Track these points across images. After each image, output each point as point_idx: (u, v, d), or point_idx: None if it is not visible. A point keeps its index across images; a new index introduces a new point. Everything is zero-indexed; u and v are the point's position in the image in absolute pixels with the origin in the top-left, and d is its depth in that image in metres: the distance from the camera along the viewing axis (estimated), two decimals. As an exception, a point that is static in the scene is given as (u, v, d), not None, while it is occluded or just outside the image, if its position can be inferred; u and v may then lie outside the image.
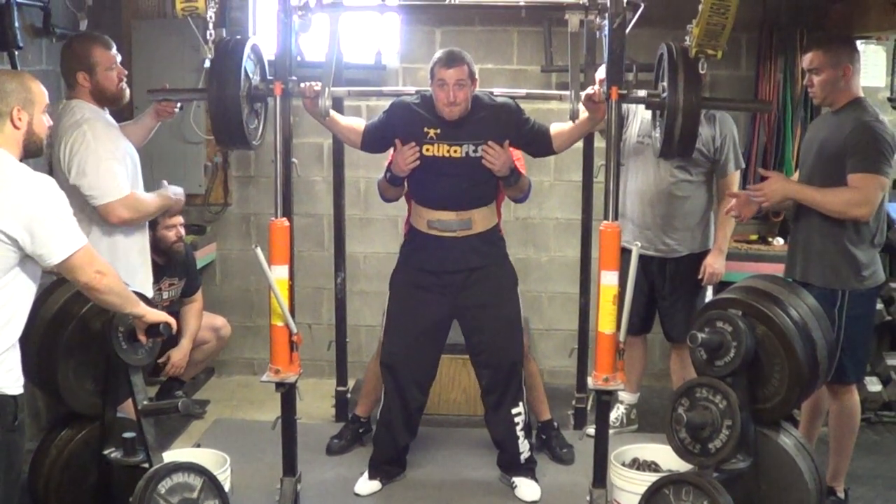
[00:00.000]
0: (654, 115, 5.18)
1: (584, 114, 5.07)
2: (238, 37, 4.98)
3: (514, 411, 5.43)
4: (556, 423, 6.06)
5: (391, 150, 5.42)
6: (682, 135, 4.67)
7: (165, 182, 5.39)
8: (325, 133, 6.63)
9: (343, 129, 5.44)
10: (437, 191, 5.37)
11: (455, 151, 5.25)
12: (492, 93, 5.46)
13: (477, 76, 5.29)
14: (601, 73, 5.06)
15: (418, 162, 5.25)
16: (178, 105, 5.47)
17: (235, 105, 4.74)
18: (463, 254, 5.40)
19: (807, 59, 5.02)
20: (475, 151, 5.24)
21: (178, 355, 6.36)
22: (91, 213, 4.87)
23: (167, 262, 6.21)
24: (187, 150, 7.13)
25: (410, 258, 5.56)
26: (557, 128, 5.34)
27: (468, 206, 5.38)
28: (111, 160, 4.89)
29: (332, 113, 5.25)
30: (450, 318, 5.53)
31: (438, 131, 5.24)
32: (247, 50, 4.81)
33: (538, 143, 5.39)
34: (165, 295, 6.25)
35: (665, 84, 4.71)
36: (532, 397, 5.73)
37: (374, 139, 5.41)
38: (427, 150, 5.25)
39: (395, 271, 5.65)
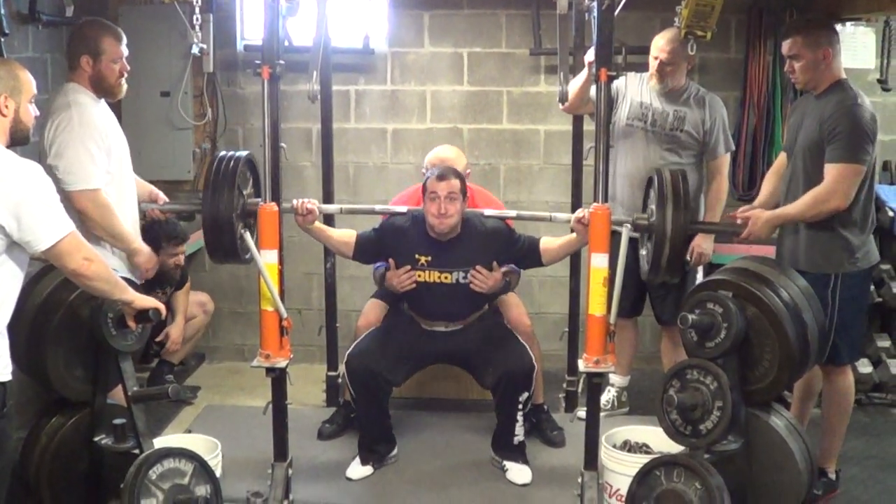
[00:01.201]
0: (641, 237, 5.17)
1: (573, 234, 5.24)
2: (234, 153, 4.97)
3: (521, 398, 5.48)
4: (546, 407, 6.07)
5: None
6: (669, 262, 4.72)
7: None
8: (313, 118, 6.64)
9: (335, 242, 5.61)
10: (430, 308, 5.64)
11: (446, 278, 5.48)
12: (482, 214, 5.60)
13: (468, 193, 5.52)
14: (590, 55, 5.05)
15: (414, 286, 5.48)
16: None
17: (229, 224, 4.79)
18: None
19: (786, 46, 5.01)
20: (465, 278, 5.47)
21: (176, 331, 6.55)
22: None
23: (158, 279, 6.18)
24: (175, 137, 7.10)
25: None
26: (547, 243, 5.53)
27: (459, 320, 5.66)
28: (91, 149, 4.80)
29: (325, 227, 5.53)
30: (436, 357, 5.82)
31: (429, 258, 5.46)
32: (241, 167, 4.86)
33: (527, 259, 5.63)
34: None
35: (653, 208, 4.75)
36: (531, 381, 5.74)
37: (366, 253, 5.62)
38: (419, 276, 5.48)
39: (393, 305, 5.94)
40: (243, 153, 4.96)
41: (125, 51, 5.03)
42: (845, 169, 4.74)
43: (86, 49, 4.92)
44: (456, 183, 5.36)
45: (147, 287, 5.58)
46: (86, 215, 4.80)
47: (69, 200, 4.78)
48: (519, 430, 5.52)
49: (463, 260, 5.46)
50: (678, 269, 4.83)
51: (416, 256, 5.47)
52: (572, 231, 5.20)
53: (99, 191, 4.82)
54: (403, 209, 5.62)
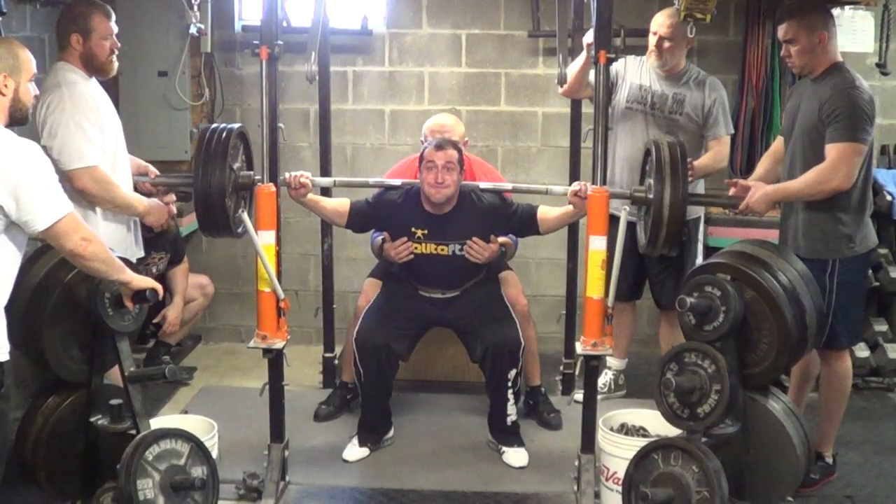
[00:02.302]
0: (639, 209, 5.15)
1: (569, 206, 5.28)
2: (225, 125, 4.97)
3: (510, 375, 5.47)
4: (543, 389, 6.08)
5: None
6: (667, 236, 4.73)
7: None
8: (311, 99, 6.63)
9: (329, 212, 5.63)
10: (426, 278, 5.66)
11: (442, 250, 5.51)
12: (477, 188, 5.59)
13: (466, 162, 5.52)
14: (589, 37, 5.04)
15: (412, 257, 5.50)
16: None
17: (221, 198, 4.79)
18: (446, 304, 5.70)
19: (781, 31, 4.99)
20: (461, 250, 5.50)
21: (174, 313, 6.46)
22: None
23: (156, 236, 6.16)
24: (172, 117, 7.07)
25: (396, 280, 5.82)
26: (545, 212, 5.54)
27: (456, 288, 5.66)
28: (85, 127, 4.79)
29: (318, 198, 5.53)
30: (434, 320, 5.76)
31: (426, 231, 5.49)
32: (232, 140, 4.86)
33: (524, 228, 5.66)
34: (154, 270, 6.23)
35: (651, 182, 4.73)
36: (526, 362, 5.70)
37: (359, 222, 5.66)
38: (416, 248, 5.50)
39: (388, 273, 5.90)
40: (235, 126, 4.95)
41: (115, 27, 5.01)
42: (847, 148, 4.72)
43: (75, 27, 4.90)
44: (453, 153, 5.37)
45: (148, 247, 5.60)
46: (88, 192, 4.82)
47: (68, 180, 4.78)
48: (511, 409, 5.53)
49: (459, 233, 5.48)
50: (676, 243, 4.81)
51: (413, 230, 5.48)
52: (570, 203, 5.21)
53: (96, 167, 4.82)
54: (398, 182, 5.62)
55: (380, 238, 5.64)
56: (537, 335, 6.04)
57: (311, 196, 5.36)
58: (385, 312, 5.61)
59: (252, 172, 5.00)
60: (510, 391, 5.49)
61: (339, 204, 5.59)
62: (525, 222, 5.57)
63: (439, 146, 5.39)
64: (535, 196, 5.82)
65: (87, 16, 4.91)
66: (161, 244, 6.33)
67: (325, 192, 5.86)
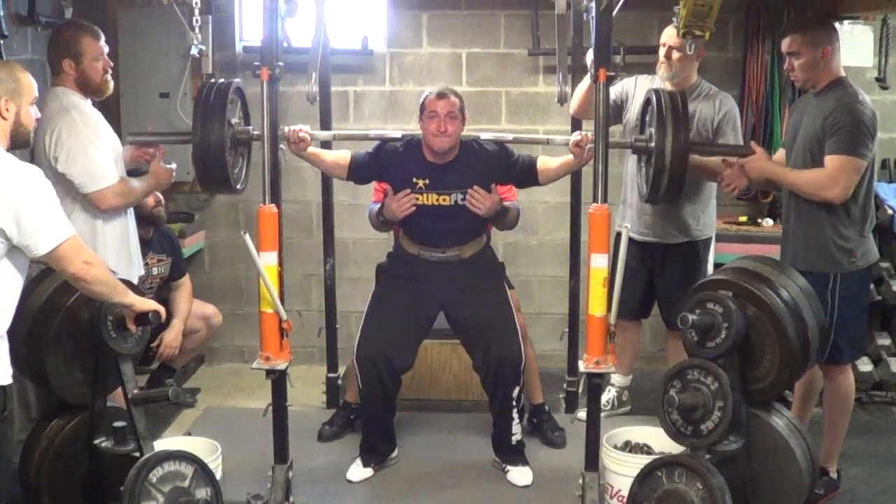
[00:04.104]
0: (639, 160, 5.15)
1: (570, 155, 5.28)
2: (222, 80, 4.98)
3: (513, 393, 5.43)
4: (546, 407, 6.06)
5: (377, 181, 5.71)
6: (669, 184, 4.73)
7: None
8: (312, 119, 6.60)
9: (329, 165, 5.59)
10: (427, 232, 5.57)
11: (444, 200, 5.44)
12: (478, 138, 5.57)
13: (466, 115, 5.47)
14: (589, 55, 5.04)
15: (413, 209, 5.40)
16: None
17: (220, 153, 4.76)
18: (449, 274, 5.61)
19: (785, 44, 5.01)
20: (463, 199, 5.42)
21: (171, 335, 6.32)
22: (73, 200, 4.85)
23: (152, 232, 6.15)
24: (174, 138, 7.10)
25: (396, 265, 5.76)
26: (544, 162, 5.51)
27: (456, 244, 5.60)
28: (99, 147, 4.89)
29: (318, 151, 5.51)
30: (436, 308, 5.64)
31: (427, 181, 5.42)
32: (231, 95, 4.83)
33: (525, 178, 5.59)
34: (155, 271, 6.20)
35: (652, 130, 4.73)
36: (527, 380, 5.68)
37: (360, 173, 5.60)
38: (417, 199, 5.42)
39: (382, 267, 5.84)
40: (233, 81, 4.96)
41: (105, 47, 5.05)
42: (847, 162, 4.74)
43: (66, 53, 4.95)
44: (455, 101, 5.35)
45: (143, 250, 5.60)
46: (114, 207, 4.98)
47: (96, 202, 4.83)
48: (516, 428, 5.51)
49: (461, 182, 5.42)
50: (677, 192, 4.83)
51: (414, 180, 5.43)
52: (571, 154, 5.23)
53: (118, 181, 4.95)
54: (398, 134, 5.61)
55: (378, 206, 5.60)
56: (537, 353, 6.04)
57: (311, 150, 5.33)
58: (379, 322, 5.51)
59: (250, 128, 5.00)
60: (514, 410, 5.47)
61: (340, 157, 5.55)
62: (526, 172, 5.53)
63: (441, 94, 5.34)
64: (535, 148, 5.96)
65: (75, 40, 4.95)
66: (157, 243, 6.31)
67: (326, 146, 5.84)
